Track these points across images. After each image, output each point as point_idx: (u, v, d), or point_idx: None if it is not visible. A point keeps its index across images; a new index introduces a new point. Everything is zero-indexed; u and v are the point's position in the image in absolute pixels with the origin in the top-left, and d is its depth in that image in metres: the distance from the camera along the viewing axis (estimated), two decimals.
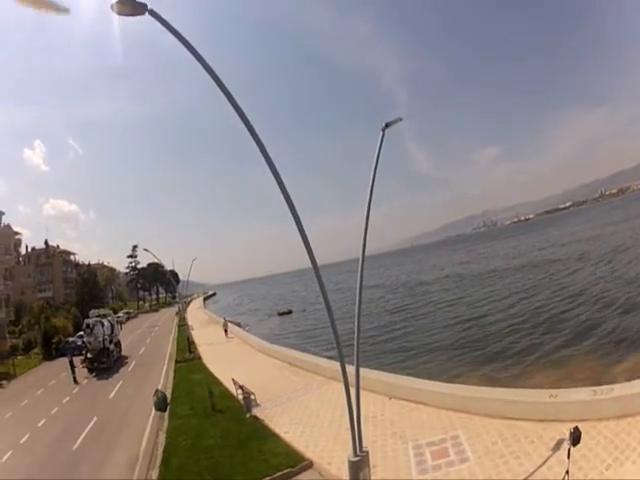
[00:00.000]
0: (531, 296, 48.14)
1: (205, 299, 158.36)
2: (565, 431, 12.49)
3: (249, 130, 9.58)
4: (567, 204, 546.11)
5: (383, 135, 12.63)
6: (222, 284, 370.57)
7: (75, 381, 35.78)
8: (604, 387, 13.92)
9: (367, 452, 10.79)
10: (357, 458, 10.55)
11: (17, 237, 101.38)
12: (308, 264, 10.24)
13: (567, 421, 13.04)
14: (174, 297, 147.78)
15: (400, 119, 12.85)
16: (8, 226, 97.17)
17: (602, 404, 12.48)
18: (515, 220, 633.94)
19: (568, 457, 9.15)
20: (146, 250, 50.60)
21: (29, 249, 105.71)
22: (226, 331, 54.11)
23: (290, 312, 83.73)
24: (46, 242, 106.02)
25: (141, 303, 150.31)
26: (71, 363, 37.16)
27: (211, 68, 9.29)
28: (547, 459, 11.69)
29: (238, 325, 62.59)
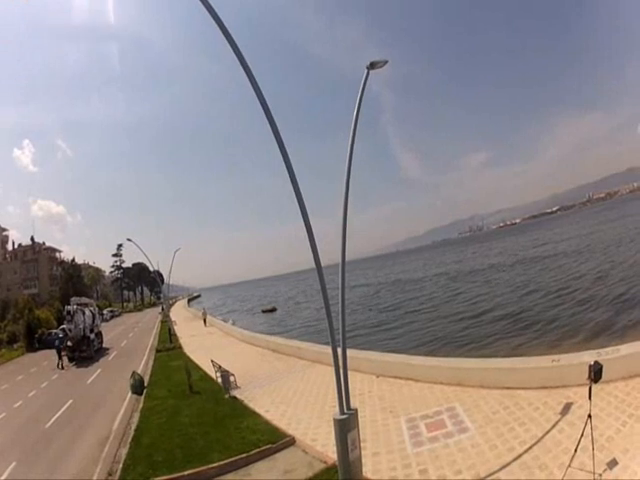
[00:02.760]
0: (533, 287, 46.81)
1: (189, 300, 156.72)
2: (572, 395, 11.75)
3: (272, 128, 9.28)
4: (554, 208, 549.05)
5: (367, 74, 11.53)
6: (207, 287, 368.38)
7: (61, 366, 35.65)
8: (609, 348, 13.04)
9: (356, 410, 9.62)
10: (344, 416, 9.38)
11: (4, 234, 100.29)
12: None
13: (573, 386, 12.22)
14: (159, 297, 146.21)
15: (386, 61, 11.65)
16: None
17: (609, 365, 11.38)
18: (501, 224, 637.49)
19: (590, 398, 8.16)
20: (129, 240, 48.94)
21: (15, 246, 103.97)
22: (205, 320, 59.00)
23: (274, 310, 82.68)
24: (32, 239, 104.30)
25: (126, 304, 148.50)
26: (58, 349, 37.16)
27: (244, 59, 8.99)
28: (556, 423, 10.71)
29: (223, 321, 61.83)
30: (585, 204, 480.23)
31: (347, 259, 10.78)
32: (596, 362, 8.16)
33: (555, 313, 32.48)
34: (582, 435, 8.17)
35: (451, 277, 76.68)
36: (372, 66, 11.52)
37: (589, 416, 8.18)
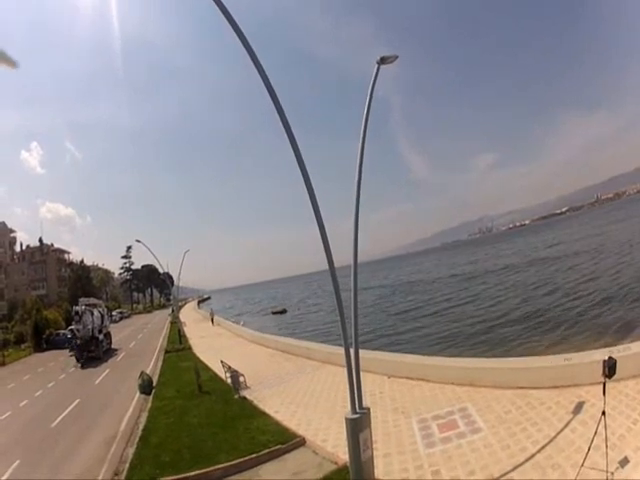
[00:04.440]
0: (550, 288, 46.11)
1: (199, 302, 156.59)
2: (584, 394, 11.68)
3: (286, 130, 9.28)
4: (563, 209, 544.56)
5: (378, 70, 11.40)
6: (217, 290, 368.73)
7: (78, 361, 37.02)
8: (621, 346, 12.90)
9: (368, 409, 9.49)
10: (356, 415, 9.24)
11: (12, 235, 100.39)
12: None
13: (585, 385, 12.07)
14: (168, 299, 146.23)
15: (396, 56, 11.51)
16: (3, 223, 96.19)
17: (620, 363, 11.25)
18: (511, 226, 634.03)
19: (604, 393, 8.05)
20: (138, 241, 48.81)
21: (24, 247, 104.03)
22: (212, 320, 62.05)
23: (284, 311, 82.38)
24: (40, 240, 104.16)
25: (135, 305, 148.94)
26: (74, 347, 38.64)
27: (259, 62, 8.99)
28: (569, 422, 10.56)
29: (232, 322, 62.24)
30: (593, 205, 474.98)
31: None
32: (610, 357, 8.03)
33: (573, 315, 32.15)
34: (596, 433, 8.03)
35: (466, 278, 75.79)
36: (382, 61, 11.38)
37: (603, 413, 8.03)
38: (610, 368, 7.94)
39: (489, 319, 37.26)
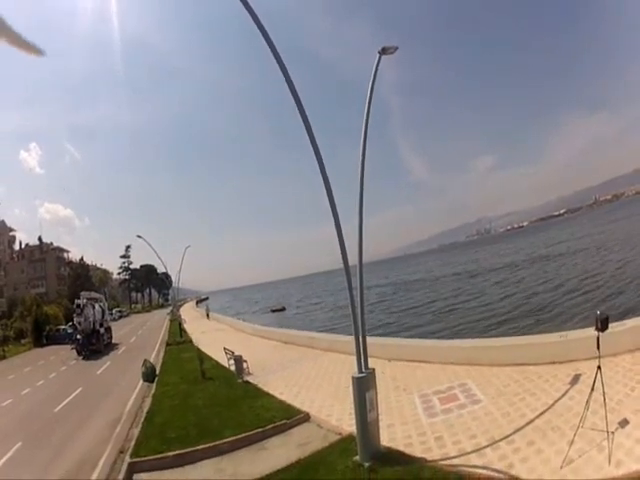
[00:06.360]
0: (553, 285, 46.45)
1: (197, 302, 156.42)
2: (580, 368, 11.96)
3: (308, 134, 9.93)
4: (561, 211, 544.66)
5: (379, 59, 11.74)
6: (215, 290, 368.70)
7: (79, 354, 37.55)
8: (616, 322, 13.14)
9: (373, 370, 10.01)
10: (362, 374, 9.72)
11: (11, 234, 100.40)
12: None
13: (581, 360, 12.33)
14: (166, 299, 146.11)
15: (396, 47, 11.80)
16: (2, 221, 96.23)
17: (616, 338, 11.58)
18: (509, 228, 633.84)
19: (598, 348, 8.33)
20: (139, 237, 49.23)
21: (23, 246, 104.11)
22: (208, 315, 65.32)
23: (283, 309, 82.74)
24: (40, 239, 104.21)
25: (134, 305, 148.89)
26: (75, 340, 39.01)
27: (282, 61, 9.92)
28: (566, 391, 10.88)
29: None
30: (592, 206, 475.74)
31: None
32: (601, 312, 8.31)
33: (578, 310, 32.52)
34: (593, 389, 8.29)
35: (467, 277, 76.59)
36: (384, 51, 11.69)
37: (599, 367, 8.30)
38: (602, 321, 8.20)
39: (495, 318, 37.31)
